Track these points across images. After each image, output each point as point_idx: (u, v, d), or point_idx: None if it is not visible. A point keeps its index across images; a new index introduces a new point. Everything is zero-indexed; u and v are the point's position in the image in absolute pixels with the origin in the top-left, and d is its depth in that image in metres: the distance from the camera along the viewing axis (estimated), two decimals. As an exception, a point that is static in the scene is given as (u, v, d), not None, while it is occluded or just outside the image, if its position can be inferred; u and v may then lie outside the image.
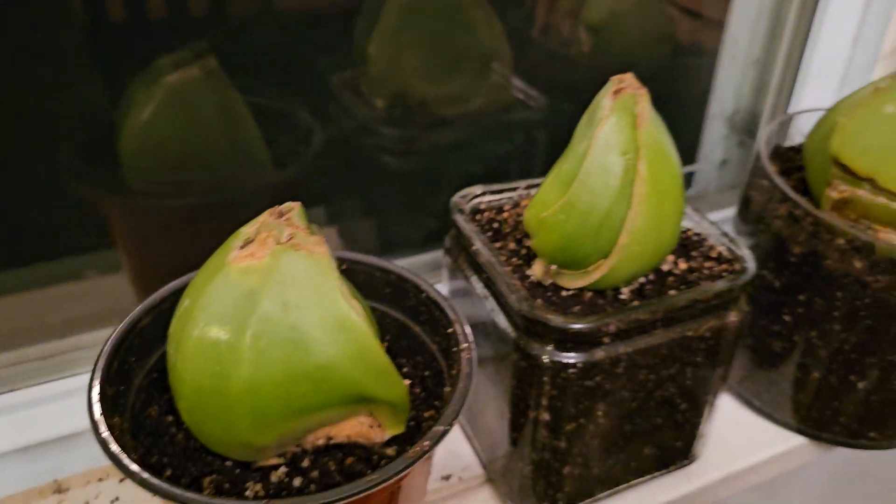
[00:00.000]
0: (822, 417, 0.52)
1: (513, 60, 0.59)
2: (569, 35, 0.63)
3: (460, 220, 0.45)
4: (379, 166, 0.58)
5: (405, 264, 0.60)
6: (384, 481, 0.32)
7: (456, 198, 0.47)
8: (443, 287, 0.49)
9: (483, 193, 0.48)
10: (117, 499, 0.46)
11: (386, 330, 0.45)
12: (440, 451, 0.49)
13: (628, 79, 0.39)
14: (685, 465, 0.50)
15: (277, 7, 0.51)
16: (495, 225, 0.47)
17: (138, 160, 0.52)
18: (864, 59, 0.61)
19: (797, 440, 0.53)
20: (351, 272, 0.45)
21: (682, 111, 0.68)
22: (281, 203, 0.53)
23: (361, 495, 0.32)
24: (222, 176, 0.53)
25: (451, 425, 0.35)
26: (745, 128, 0.67)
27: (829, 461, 0.69)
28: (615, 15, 0.64)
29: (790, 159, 0.55)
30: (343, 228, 0.61)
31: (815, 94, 0.61)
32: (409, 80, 0.57)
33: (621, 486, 0.48)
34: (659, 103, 0.67)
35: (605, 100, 0.38)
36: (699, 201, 0.71)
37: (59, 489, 0.47)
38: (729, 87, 0.67)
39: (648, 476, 0.48)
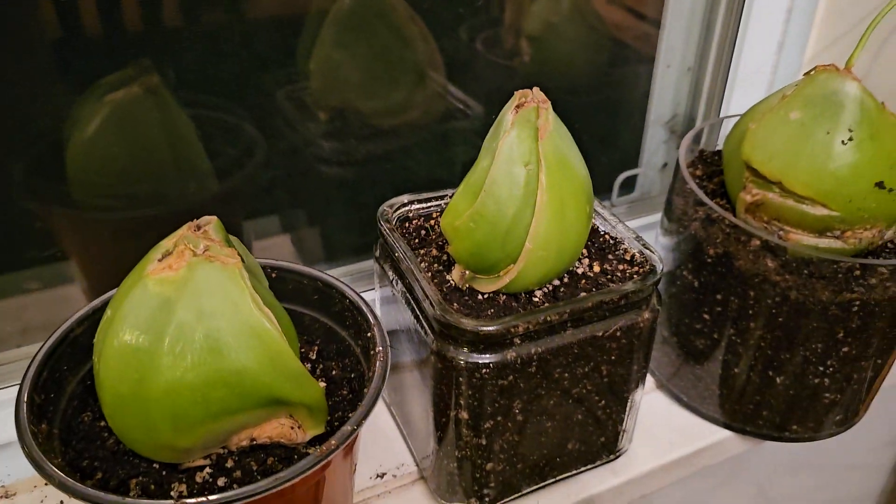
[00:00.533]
0: (746, 412, 0.54)
1: (451, 72, 0.61)
2: (510, 46, 0.65)
3: (385, 228, 0.47)
4: (322, 177, 0.60)
5: (351, 271, 0.62)
6: (282, 483, 0.34)
7: (383, 207, 0.49)
8: (375, 294, 0.51)
9: (411, 202, 0.50)
10: (62, 502, 0.48)
11: (315, 335, 0.47)
12: (376, 450, 0.52)
13: (531, 93, 0.41)
14: (611, 460, 0.52)
15: (224, 24, 0.52)
16: (423, 232, 0.49)
17: (85, 175, 0.53)
18: (789, 66, 0.64)
19: (724, 434, 0.55)
20: (281, 280, 0.47)
21: (623, 117, 0.70)
22: (224, 214, 0.55)
23: (263, 495, 0.34)
24: (167, 188, 0.55)
25: (358, 426, 0.37)
26: (684, 132, 0.69)
27: (768, 453, 0.71)
28: (553, 26, 0.66)
29: (715, 164, 0.58)
30: (294, 237, 0.63)
31: (744, 100, 0.63)
32: (348, 94, 0.59)
33: (548, 481, 0.50)
34: (600, 110, 0.70)
35: (508, 114, 0.40)
36: (642, 204, 0.73)
37: (7, 494, 0.49)
38: (666, 94, 0.69)
39: (574, 471, 0.50)
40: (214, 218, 0.39)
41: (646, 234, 0.70)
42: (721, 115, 0.67)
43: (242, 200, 0.59)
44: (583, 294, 0.43)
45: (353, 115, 0.59)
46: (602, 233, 0.49)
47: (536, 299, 0.43)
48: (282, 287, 0.47)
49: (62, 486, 0.34)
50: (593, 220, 0.50)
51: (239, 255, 0.39)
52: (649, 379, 0.59)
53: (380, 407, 0.56)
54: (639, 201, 0.73)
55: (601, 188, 0.72)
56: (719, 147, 0.58)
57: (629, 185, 0.73)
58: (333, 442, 0.36)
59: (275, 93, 0.57)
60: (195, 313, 0.36)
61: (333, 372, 0.45)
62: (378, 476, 0.51)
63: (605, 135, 0.71)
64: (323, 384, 0.44)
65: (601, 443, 0.50)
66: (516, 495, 0.49)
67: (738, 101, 0.65)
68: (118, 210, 0.55)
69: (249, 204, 0.59)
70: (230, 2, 0.51)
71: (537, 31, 0.65)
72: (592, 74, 0.69)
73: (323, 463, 0.36)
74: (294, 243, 0.63)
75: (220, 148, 0.56)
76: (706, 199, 0.50)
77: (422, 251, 0.47)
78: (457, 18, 0.59)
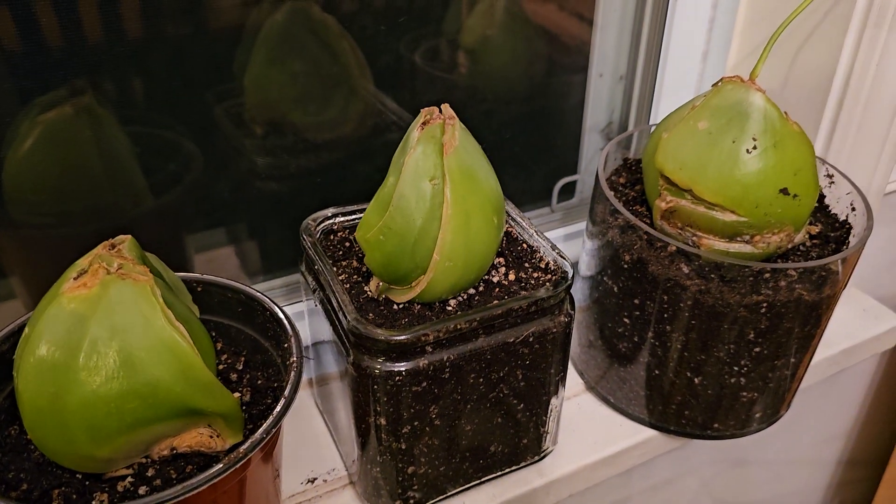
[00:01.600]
0: (669, 412, 0.56)
1: (386, 86, 0.63)
2: (446, 59, 0.67)
3: (307, 241, 0.49)
4: (258, 191, 0.61)
5: (289, 283, 0.63)
6: (193, 489, 0.35)
7: (307, 221, 0.50)
8: (303, 306, 0.53)
9: (335, 215, 0.51)
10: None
11: (242, 346, 0.48)
12: (308, 456, 0.53)
13: (437, 110, 0.42)
14: (536, 461, 0.53)
15: (157, 41, 0.54)
16: (346, 245, 0.51)
17: (20, 193, 0.55)
18: (714, 74, 0.65)
19: (649, 433, 0.57)
20: (206, 293, 0.48)
21: (560, 125, 0.72)
22: (163, 228, 0.56)
23: (176, 500, 0.35)
24: (102, 205, 0.56)
25: (268, 433, 0.38)
26: (619, 139, 0.71)
27: (709, 450, 0.73)
28: (488, 38, 0.67)
29: (639, 171, 0.59)
30: (237, 250, 0.65)
31: (671, 108, 0.65)
32: (282, 109, 0.60)
33: (473, 483, 0.51)
34: (538, 119, 0.72)
35: (414, 131, 0.42)
36: (581, 209, 0.75)
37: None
38: (601, 102, 0.70)
39: (499, 472, 0.52)
40: (129, 237, 0.41)
41: (581, 239, 0.72)
42: (650, 123, 0.68)
43: (181, 215, 0.60)
44: (494, 302, 0.45)
45: (288, 130, 0.60)
46: (520, 241, 0.51)
47: (450, 308, 0.45)
48: (208, 300, 0.48)
49: (-23, 499, 0.35)
50: (512, 229, 0.51)
51: (154, 271, 0.40)
52: (579, 381, 0.61)
53: (313, 413, 0.57)
54: (578, 207, 0.74)
55: (541, 195, 0.74)
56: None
57: (569, 191, 0.75)
58: (242, 450, 0.38)
59: (212, 108, 0.58)
60: (108, 329, 0.37)
61: (259, 381, 0.47)
62: (309, 481, 0.52)
63: (544, 143, 0.72)
64: (248, 393, 0.46)
65: (524, 445, 0.52)
66: (442, 497, 0.51)
67: (666, 108, 0.67)
68: (54, 227, 0.56)
69: (188, 218, 0.61)
70: (165, 20, 0.52)
71: (474, 43, 0.67)
72: (529, 84, 0.70)
73: (233, 469, 0.38)
74: (237, 255, 0.64)
75: (157, 164, 0.58)
76: (621, 208, 0.52)
77: (343, 263, 0.49)
78: (390, 34, 0.61)
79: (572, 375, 0.61)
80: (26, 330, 0.39)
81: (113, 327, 0.37)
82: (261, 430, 0.39)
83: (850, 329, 0.68)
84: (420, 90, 0.65)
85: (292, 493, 0.52)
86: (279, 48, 0.58)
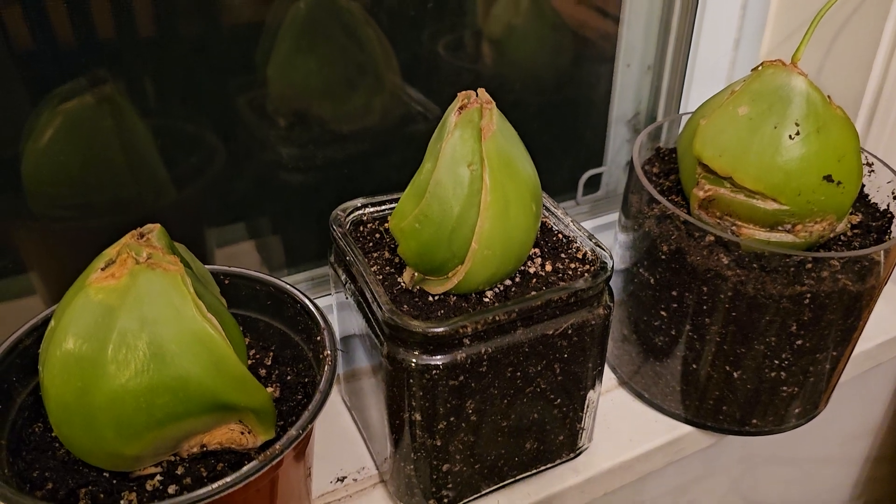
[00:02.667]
0: (706, 407, 0.54)
1: (411, 76, 0.61)
2: (472, 49, 0.65)
3: (337, 232, 0.47)
4: (283, 183, 0.60)
5: (313, 276, 0.62)
6: (225, 490, 0.34)
7: (336, 211, 0.49)
8: (332, 299, 0.51)
9: (364, 206, 0.50)
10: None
11: (271, 340, 0.47)
12: (337, 454, 0.52)
13: (474, 94, 0.41)
14: (571, 458, 0.52)
15: (181, 31, 0.53)
16: (377, 236, 0.49)
17: (41, 186, 0.53)
18: (747, 61, 0.64)
19: (685, 430, 0.55)
20: (234, 286, 0.47)
21: (586, 116, 0.71)
22: (184, 222, 0.55)
23: (208, 500, 0.34)
24: (124, 197, 0.55)
25: (303, 430, 0.37)
26: (647, 130, 0.70)
27: (738, 447, 0.71)
28: (514, 28, 0.66)
29: (672, 161, 0.58)
30: (258, 244, 0.63)
31: (702, 96, 0.63)
32: (307, 99, 0.59)
33: (507, 481, 0.50)
34: (564, 109, 0.70)
35: (451, 115, 0.40)
36: (607, 202, 0.73)
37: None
38: (628, 92, 0.69)
39: (534, 470, 0.51)
40: (157, 226, 0.39)
41: (609, 232, 0.70)
42: (680, 112, 0.67)
43: (203, 208, 0.59)
44: (532, 293, 0.44)
45: (313, 121, 0.59)
46: (555, 232, 0.49)
47: (487, 299, 0.44)
48: (235, 293, 0.47)
49: (4, 499, 0.34)
50: (546, 220, 0.50)
51: (183, 261, 0.39)
52: (611, 376, 0.59)
53: (341, 411, 0.56)
54: (604, 199, 0.73)
55: (566, 187, 0.73)
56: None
57: (594, 184, 0.73)
58: (278, 447, 0.36)
59: (234, 100, 0.57)
60: (138, 321, 0.36)
61: (288, 377, 0.45)
62: (339, 480, 0.51)
63: (569, 134, 0.71)
64: (277, 389, 0.44)
65: (560, 441, 0.50)
66: (476, 496, 0.49)
67: (696, 97, 0.65)
68: (75, 220, 0.55)
69: (211, 211, 0.59)
70: (186, 10, 0.51)
71: (499, 33, 0.66)
72: (555, 75, 0.69)
73: (268, 468, 0.36)
74: (258, 250, 0.63)
75: (179, 156, 0.56)
76: (658, 196, 0.50)
77: (374, 254, 0.47)
78: (416, 23, 0.59)
79: (605, 371, 0.60)
80: (52, 322, 0.38)
81: (142, 319, 0.36)
82: (297, 425, 0.37)
83: (887, 324, 0.66)
84: (445, 80, 0.63)
85: (322, 493, 0.50)
86: (303, 37, 0.57)
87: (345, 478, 0.51)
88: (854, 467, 0.91)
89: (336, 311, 0.51)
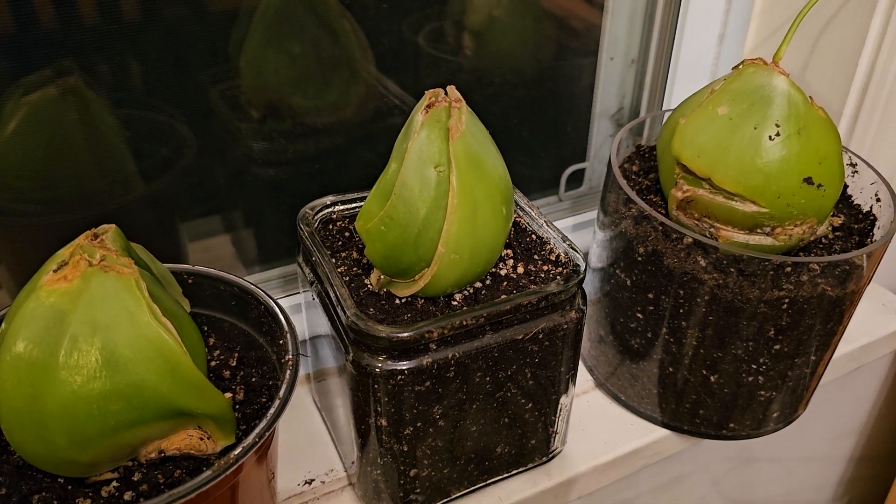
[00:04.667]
0: (683, 410, 0.54)
1: (388, 68, 0.60)
2: (452, 41, 0.64)
3: (304, 231, 0.46)
4: (255, 177, 0.58)
5: (286, 273, 0.61)
6: (179, 499, 0.33)
7: (304, 209, 0.48)
8: (301, 298, 0.50)
9: (334, 204, 0.49)
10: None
11: (236, 341, 0.46)
12: (306, 456, 0.51)
13: (443, 92, 0.40)
14: (545, 462, 0.51)
15: (150, 20, 0.51)
16: (346, 234, 0.48)
17: (3, 179, 0.52)
18: (731, 58, 0.63)
19: (661, 433, 0.54)
20: (198, 286, 0.45)
21: (569, 111, 0.69)
22: (155, 216, 0.54)
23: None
24: (91, 191, 0.54)
25: (260, 437, 0.36)
26: (630, 126, 0.68)
27: (718, 448, 0.70)
28: (495, 19, 0.65)
29: (653, 159, 0.57)
30: (233, 239, 0.62)
31: (686, 93, 0.62)
32: (280, 92, 0.57)
33: (478, 485, 0.49)
34: (546, 104, 0.69)
35: (418, 114, 0.39)
36: (590, 198, 0.72)
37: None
38: (611, 87, 0.68)
39: (506, 474, 0.50)
40: (112, 226, 0.38)
41: (591, 229, 0.69)
42: (664, 108, 0.66)
43: (174, 202, 0.58)
44: (502, 296, 0.43)
45: (286, 114, 0.58)
46: (529, 232, 0.48)
47: (455, 303, 0.43)
48: (200, 293, 0.46)
49: (-52, 506, 0.33)
50: (521, 219, 0.49)
51: (141, 263, 0.38)
52: (588, 378, 0.59)
53: (311, 410, 0.55)
54: (587, 195, 0.72)
55: (549, 183, 0.71)
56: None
57: (577, 180, 0.72)
58: (233, 455, 0.35)
59: (206, 91, 0.55)
60: (90, 325, 0.35)
61: (253, 379, 0.44)
62: (307, 482, 0.50)
63: (552, 128, 0.70)
64: (242, 391, 0.43)
65: (532, 445, 0.49)
66: (445, 500, 0.48)
67: (680, 92, 0.64)
68: (40, 215, 0.53)
69: (181, 205, 0.58)
70: (154, -1, 0.50)
71: (480, 24, 0.64)
72: (537, 67, 0.67)
73: (226, 475, 0.35)
74: (233, 244, 0.62)
75: (148, 148, 0.55)
76: (635, 198, 0.49)
77: (343, 254, 0.46)
78: (393, 13, 0.58)
79: (581, 372, 0.59)
80: (3, 325, 0.37)
81: (95, 323, 0.35)
82: (253, 434, 0.36)
83: (869, 325, 0.65)
84: (424, 73, 0.62)
85: (289, 496, 0.49)
86: (277, 28, 0.56)
87: (313, 480, 0.50)
88: (839, 466, 0.90)
89: (304, 309, 0.50)
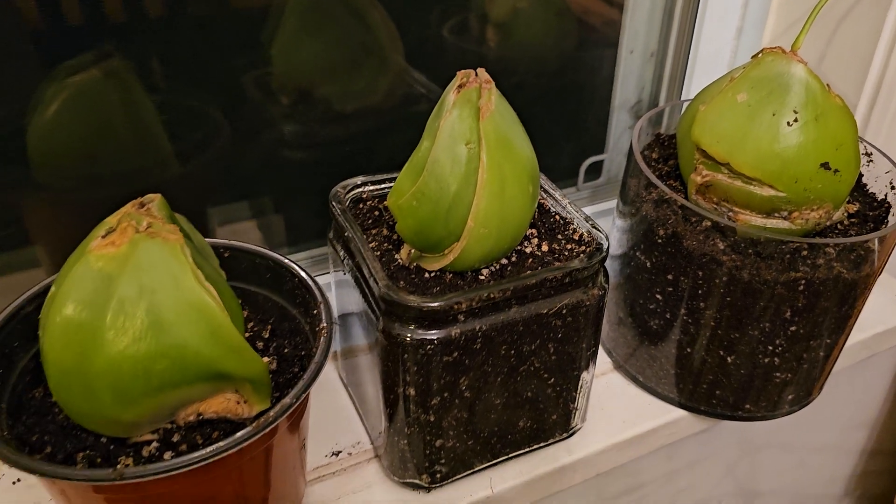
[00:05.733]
0: (699, 391, 0.55)
1: (415, 57, 0.62)
2: (476, 32, 0.66)
3: (336, 209, 0.48)
4: (286, 161, 0.60)
5: (313, 255, 0.63)
6: (218, 454, 0.35)
7: (336, 188, 0.49)
8: (331, 277, 0.52)
9: (364, 184, 0.51)
10: (19, 479, 0.49)
11: (269, 313, 0.48)
12: (333, 429, 0.52)
13: (474, 73, 0.41)
14: (565, 438, 0.53)
15: (191, 10, 0.53)
16: (376, 213, 0.50)
17: (47, 156, 0.54)
18: (749, 50, 0.64)
19: (678, 414, 0.56)
20: (234, 259, 0.47)
21: (588, 103, 0.71)
22: (188, 196, 0.56)
23: (201, 465, 0.35)
24: (128, 169, 0.56)
25: (297, 399, 0.38)
26: (649, 118, 0.70)
27: (734, 433, 0.72)
28: (518, 11, 0.66)
29: (671, 146, 0.58)
30: (260, 222, 0.64)
31: (704, 84, 0.64)
32: (311, 78, 0.59)
33: (500, 458, 0.50)
34: (566, 95, 0.70)
35: (450, 94, 0.41)
36: (608, 188, 0.74)
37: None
38: (630, 79, 0.69)
39: (527, 448, 0.51)
40: (158, 196, 0.40)
41: (609, 218, 0.71)
42: (682, 99, 0.67)
43: (206, 183, 0.60)
44: (528, 272, 0.44)
45: (317, 100, 0.60)
46: (553, 213, 0.50)
47: (482, 277, 0.44)
48: (235, 266, 0.47)
49: (3, 458, 0.35)
50: (545, 201, 0.51)
51: (183, 232, 0.40)
52: (606, 360, 0.60)
53: (338, 387, 0.56)
54: (604, 186, 0.73)
55: (568, 173, 0.73)
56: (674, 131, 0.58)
57: (596, 171, 0.74)
58: (272, 414, 0.37)
59: (240, 77, 0.57)
60: (137, 288, 0.36)
61: (286, 350, 0.46)
62: (333, 454, 0.52)
63: (572, 120, 0.71)
64: (275, 361, 0.45)
65: (553, 421, 0.51)
66: (468, 472, 0.50)
67: (698, 85, 0.65)
68: (80, 191, 0.55)
69: (213, 187, 0.60)
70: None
71: (504, 16, 0.66)
72: (558, 60, 0.69)
73: (262, 434, 0.37)
74: (260, 228, 0.64)
75: (183, 131, 0.57)
76: (656, 181, 0.50)
77: (373, 231, 0.48)
78: (421, 5, 0.60)
79: (600, 354, 0.60)
80: (52, 289, 0.38)
81: (141, 287, 0.36)
82: (291, 394, 0.38)
83: (883, 314, 0.66)
84: (449, 62, 0.64)
85: (317, 466, 0.51)
86: (309, 17, 0.58)
87: (340, 452, 0.52)
88: (851, 458, 0.91)
89: (334, 288, 0.52)
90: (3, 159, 0.53)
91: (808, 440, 0.81)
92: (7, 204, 0.54)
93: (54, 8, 0.49)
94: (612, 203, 0.71)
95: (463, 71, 0.42)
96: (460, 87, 0.41)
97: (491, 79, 0.42)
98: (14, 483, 0.49)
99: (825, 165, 0.47)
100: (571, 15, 0.68)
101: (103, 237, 0.38)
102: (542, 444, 0.52)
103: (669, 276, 0.51)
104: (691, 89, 0.66)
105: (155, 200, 0.39)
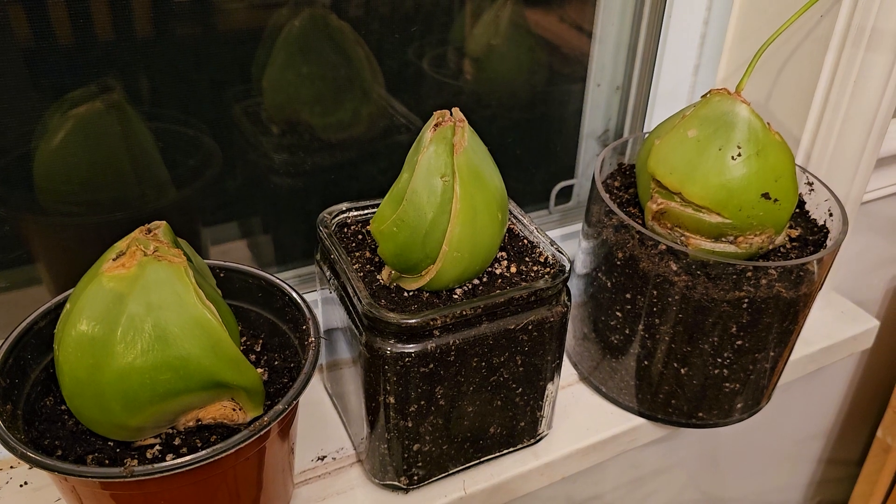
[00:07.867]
0: (657, 401, 0.60)
1: (396, 90, 0.66)
2: (453, 66, 0.70)
3: (323, 233, 0.52)
4: (274, 187, 0.65)
5: (300, 274, 0.67)
6: (218, 455, 0.39)
7: (322, 214, 0.54)
8: (317, 295, 0.56)
9: (349, 210, 0.55)
10: (26, 483, 0.53)
11: (260, 329, 0.52)
12: (318, 436, 0.56)
13: (449, 113, 0.46)
14: (532, 444, 0.57)
15: (183, 42, 0.57)
16: (359, 237, 0.54)
17: (51, 183, 0.58)
18: (705, 86, 0.69)
19: (638, 421, 0.61)
20: (228, 279, 0.51)
21: (559, 132, 0.76)
22: (182, 220, 0.60)
23: (201, 464, 0.39)
24: (127, 196, 0.60)
25: (288, 405, 0.42)
26: (615, 146, 0.75)
27: (694, 442, 0.76)
28: (493, 48, 0.71)
29: (633, 176, 0.63)
30: (250, 243, 0.68)
31: (665, 116, 0.69)
32: (298, 109, 0.64)
33: (472, 462, 0.55)
34: (538, 125, 0.75)
35: (427, 132, 0.46)
36: (578, 211, 0.78)
37: (-24, 475, 0.53)
38: (598, 111, 0.74)
39: (498, 453, 0.56)
40: (163, 223, 0.44)
41: (577, 239, 0.75)
42: (644, 130, 0.72)
43: (200, 207, 0.64)
44: (497, 291, 0.49)
45: (304, 129, 0.64)
46: (521, 237, 0.54)
47: (456, 296, 0.49)
48: (229, 286, 0.52)
49: (24, 457, 0.39)
50: (514, 226, 0.55)
51: (185, 255, 0.44)
52: (573, 372, 0.65)
53: (323, 398, 0.61)
54: (574, 209, 0.78)
55: (540, 197, 0.78)
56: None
57: (566, 195, 0.79)
58: (266, 419, 0.41)
59: (231, 108, 0.62)
60: (145, 306, 0.41)
61: (276, 362, 0.50)
62: (319, 459, 0.56)
63: (543, 148, 0.76)
64: (266, 373, 0.49)
65: (522, 427, 0.55)
66: (443, 475, 0.54)
67: (660, 116, 0.70)
68: (82, 216, 0.59)
69: (207, 211, 0.64)
70: (190, 22, 0.56)
71: (479, 52, 0.71)
72: (530, 92, 0.74)
73: (255, 438, 0.41)
74: (250, 248, 0.68)
75: (179, 158, 0.61)
76: (615, 208, 0.55)
77: (356, 254, 0.52)
78: (402, 42, 0.64)
79: (567, 367, 0.65)
80: (67, 306, 0.42)
81: (149, 305, 0.41)
82: (283, 400, 0.42)
83: (829, 330, 0.71)
84: (428, 95, 0.68)
85: (303, 470, 0.55)
86: (297, 52, 0.62)
87: (325, 457, 0.56)
88: (808, 467, 0.96)
89: (321, 305, 0.56)
90: (10, 183, 0.57)
91: (766, 449, 0.85)
92: (14, 226, 0.58)
93: (58, 42, 0.53)
94: (580, 225, 0.76)
95: (439, 111, 0.46)
96: (436, 125, 0.46)
97: (464, 118, 0.47)
98: (21, 486, 0.53)
99: (766, 195, 0.52)
100: (543, 51, 0.73)
101: (114, 260, 0.42)
102: (511, 449, 0.56)
103: (628, 295, 0.56)
104: (653, 121, 0.71)
105: (161, 227, 0.44)
